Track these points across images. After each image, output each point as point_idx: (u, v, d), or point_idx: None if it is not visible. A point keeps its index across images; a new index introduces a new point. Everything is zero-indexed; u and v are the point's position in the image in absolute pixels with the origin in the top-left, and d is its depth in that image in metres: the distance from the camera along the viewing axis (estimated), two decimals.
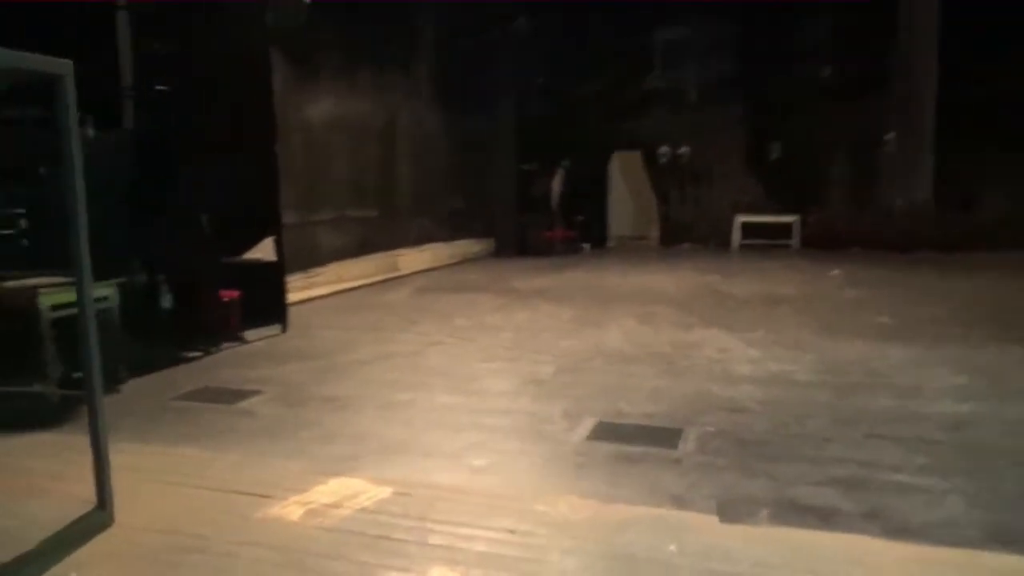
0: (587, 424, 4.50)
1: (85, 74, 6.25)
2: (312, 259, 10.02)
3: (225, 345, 7.04)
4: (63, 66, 3.00)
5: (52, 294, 5.12)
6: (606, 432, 4.37)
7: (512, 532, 3.09)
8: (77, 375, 5.80)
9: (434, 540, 3.03)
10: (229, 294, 7.25)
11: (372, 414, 4.81)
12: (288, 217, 9.42)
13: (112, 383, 5.58)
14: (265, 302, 7.90)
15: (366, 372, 5.92)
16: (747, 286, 10.40)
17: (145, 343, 6.78)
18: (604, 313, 8.39)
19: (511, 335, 7.28)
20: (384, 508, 3.34)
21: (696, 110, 16.44)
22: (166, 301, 6.95)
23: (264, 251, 7.72)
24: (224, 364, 6.36)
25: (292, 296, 9.43)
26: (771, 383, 5.36)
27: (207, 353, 6.74)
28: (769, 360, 6.03)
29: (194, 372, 6.09)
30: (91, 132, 5.97)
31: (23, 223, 5.77)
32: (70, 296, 5.34)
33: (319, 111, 10.14)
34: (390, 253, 12.02)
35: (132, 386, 5.58)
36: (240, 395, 5.28)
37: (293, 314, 8.41)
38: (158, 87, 6.68)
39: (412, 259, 12.67)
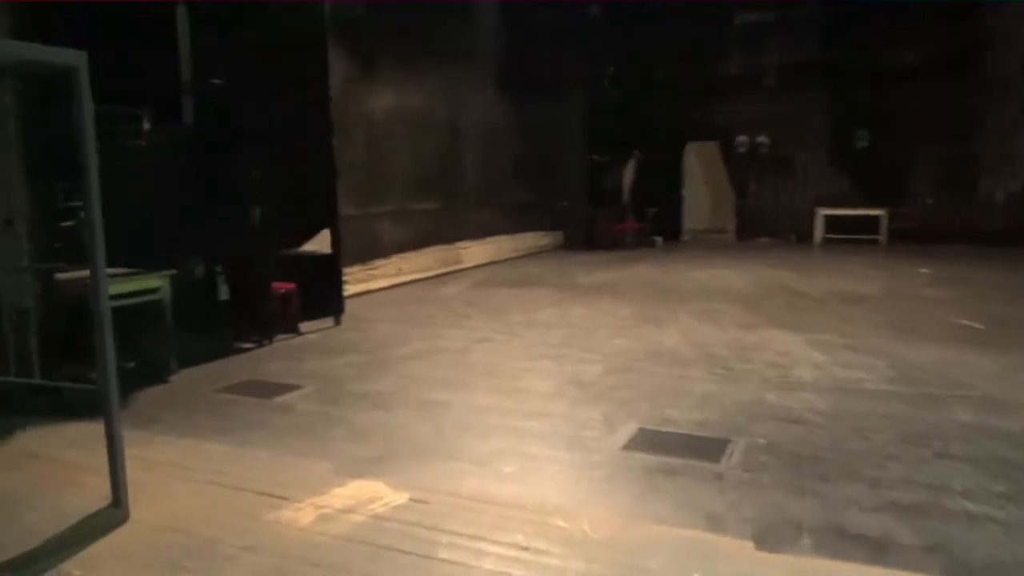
0: (627, 431, 4.25)
1: (145, 69, 6.37)
2: (373, 251, 10.05)
3: (280, 337, 7.09)
4: (77, 57, 2.97)
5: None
6: (646, 440, 4.11)
7: (525, 549, 2.89)
8: (131, 365, 5.95)
9: (442, 554, 2.87)
10: (284, 286, 7.30)
11: (407, 414, 4.69)
12: (348, 209, 9.47)
13: (162, 374, 5.70)
14: (322, 294, 7.94)
15: (409, 368, 5.82)
16: (824, 284, 9.81)
17: (202, 334, 6.91)
18: (665, 310, 8.04)
19: (563, 332, 7.05)
20: (398, 515, 3.20)
21: (776, 97, 15.68)
22: (223, 293, 7.07)
23: (320, 243, 7.74)
24: (273, 357, 6.38)
25: (352, 288, 9.49)
26: (835, 392, 4.95)
27: (260, 345, 6.80)
28: (836, 366, 5.60)
29: (244, 364, 6.14)
30: (146, 125, 6.08)
31: (83, 215, 5.91)
32: (122, 287, 5.47)
33: (381, 103, 10.13)
34: (453, 246, 11.96)
35: (182, 377, 5.66)
36: (281, 389, 5.26)
37: (351, 306, 8.43)
38: (214, 80, 6.74)
39: (475, 252, 12.57)
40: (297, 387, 5.30)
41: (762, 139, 16.04)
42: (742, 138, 16.17)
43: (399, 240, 10.63)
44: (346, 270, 9.51)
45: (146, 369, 5.74)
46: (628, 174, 16.29)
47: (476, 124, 12.45)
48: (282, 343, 6.90)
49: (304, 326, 7.47)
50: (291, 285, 7.38)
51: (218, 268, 7.03)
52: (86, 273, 5.30)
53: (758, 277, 10.60)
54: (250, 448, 4.09)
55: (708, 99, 16.21)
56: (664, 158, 16.61)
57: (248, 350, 6.66)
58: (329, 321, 7.75)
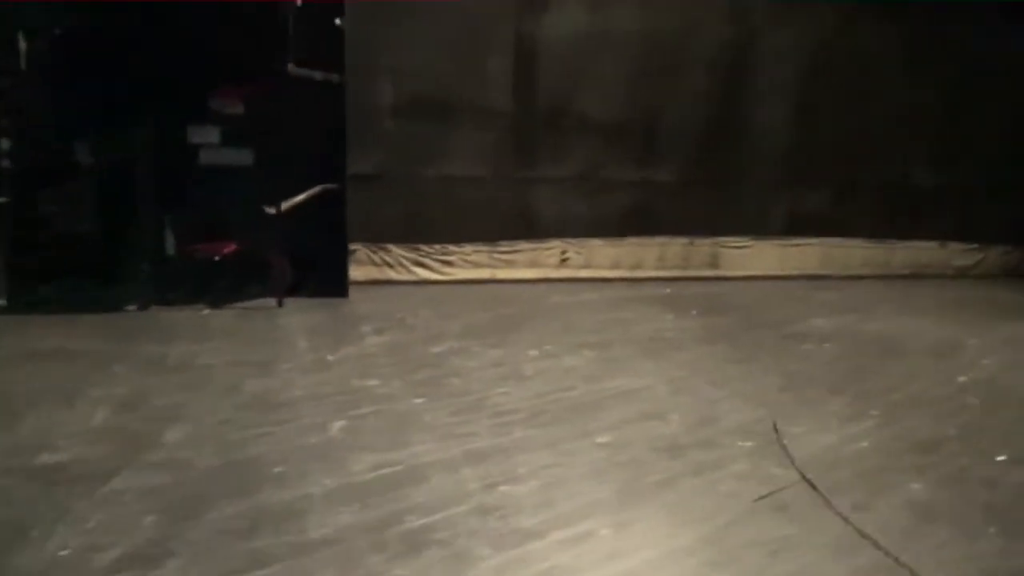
0: None
1: None
2: (514, 230, 7.51)
3: (202, 308, 5.90)
4: None
5: None
6: None
7: None
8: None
9: None
10: (216, 247, 5.98)
11: None
12: (470, 168, 7.30)
13: None
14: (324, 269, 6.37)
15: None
16: None
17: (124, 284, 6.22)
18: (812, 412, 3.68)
19: (521, 395, 3.86)
20: None
21: None
22: (170, 246, 6.19)
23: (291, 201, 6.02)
24: (56, 326, 5.17)
25: (456, 273, 7.36)
26: None
27: (141, 308, 5.74)
28: None
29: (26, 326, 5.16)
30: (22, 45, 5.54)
31: None
32: None
33: (560, 22, 7.32)
34: (701, 241, 8.05)
35: None
36: None
37: (381, 294, 6.65)
38: None
39: (758, 256, 8.19)
40: None
41: None
42: None
43: (577, 219, 7.65)
44: (455, 249, 7.46)
45: None
46: None
47: (792, 57, 7.92)
48: (163, 312, 5.70)
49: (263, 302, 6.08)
50: (231, 246, 6.00)
51: (168, 216, 6.16)
52: None
53: None
54: None
55: None
56: None
57: (127, 312, 5.71)
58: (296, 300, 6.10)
